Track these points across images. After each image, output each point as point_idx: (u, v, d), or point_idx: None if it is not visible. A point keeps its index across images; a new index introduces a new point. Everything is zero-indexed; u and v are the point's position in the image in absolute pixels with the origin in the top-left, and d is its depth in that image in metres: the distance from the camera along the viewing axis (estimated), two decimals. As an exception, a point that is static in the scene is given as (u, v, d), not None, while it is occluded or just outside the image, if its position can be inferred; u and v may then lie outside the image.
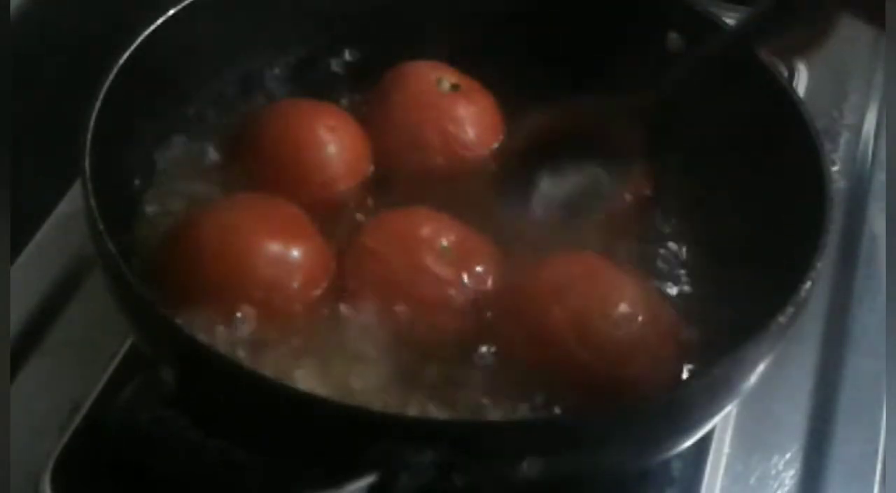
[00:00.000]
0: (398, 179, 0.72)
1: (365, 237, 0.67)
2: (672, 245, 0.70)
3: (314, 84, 0.77)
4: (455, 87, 0.75)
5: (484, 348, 0.63)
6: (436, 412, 0.60)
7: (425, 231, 0.66)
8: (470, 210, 0.70)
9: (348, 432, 0.52)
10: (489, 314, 0.64)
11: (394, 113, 0.74)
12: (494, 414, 0.60)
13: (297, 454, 0.51)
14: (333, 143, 0.71)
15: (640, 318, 0.63)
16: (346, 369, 0.62)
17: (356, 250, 0.66)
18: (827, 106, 0.90)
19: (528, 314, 0.63)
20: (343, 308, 0.64)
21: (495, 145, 0.75)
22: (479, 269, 0.66)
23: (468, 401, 0.61)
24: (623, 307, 0.63)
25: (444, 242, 0.66)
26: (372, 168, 0.72)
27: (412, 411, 0.59)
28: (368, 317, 0.64)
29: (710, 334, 0.65)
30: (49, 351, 0.71)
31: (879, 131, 0.90)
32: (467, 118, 0.74)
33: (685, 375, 0.63)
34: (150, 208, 0.69)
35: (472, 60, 0.77)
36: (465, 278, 0.65)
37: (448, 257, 0.66)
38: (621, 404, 0.60)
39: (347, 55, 0.79)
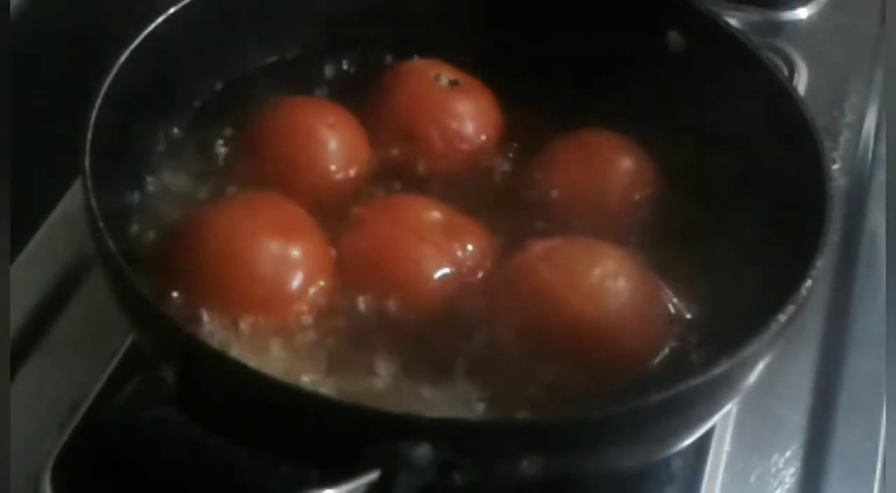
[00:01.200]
0: (398, 174, 0.72)
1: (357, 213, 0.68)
2: (671, 245, 0.70)
3: (314, 83, 0.77)
4: (453, 82, 0.75)
5: (478, 332, 0.64)
6: (441, 400, 0.60)
7: (415, 207, 0.69)
8: (468, 204, 0.70)
9: (348, 431, 0.52)
10: (481, 296, 0.65)
11: (392, 109, 0.74)
12: (495, 404, 0.61)
13: (296, 453, 0.51)
14: (333, 139, 0.71)
15: (627, 272, 0.64)
16: (346, 364, 0.62)
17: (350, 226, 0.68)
18: (827, 106, 0.90)
19: (517, 278, 0.65)
20: (343, 303, 0.64)
21: (494, 140, 0.75)
22: (469, 247, 0.67)
23: (466, 389, 0.61)
24: (610, 262, 0.65)
25: (436, 215, 0.68)
26: (370, 164, 0.72)
27: (416, 404, 0.60)
28: (367, 310, 0.64)
29: (710, 332, 0.66)
30: (49, 351, 0.71)
31: (879, 131, 0.90)
32: (466, 113, 0.74)
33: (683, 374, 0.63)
34: (150, 208, 0.69)
35: (472, 60, 0.78)
36: (455, 251, 0.66)
37: (437, 230, 0.67)
38: (621, 404, 0.60)
39: (347, 54, 0.79)
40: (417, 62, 0.77)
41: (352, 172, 0.71)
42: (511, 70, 0.77)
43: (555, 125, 0.75)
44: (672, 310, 0.66)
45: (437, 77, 0.75)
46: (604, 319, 0.63)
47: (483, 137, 0.74)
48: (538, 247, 0.66)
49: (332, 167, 0.71)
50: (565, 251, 0.66)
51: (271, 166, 0.70)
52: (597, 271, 0.64)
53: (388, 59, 0.77)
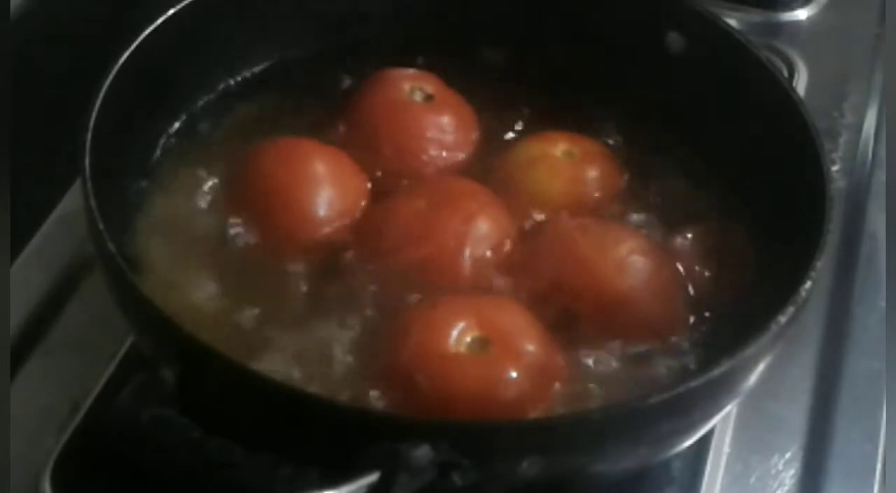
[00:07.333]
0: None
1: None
2: (672, 246, 0.70)
3: (314, 85, 0.77)
4: (429, 97, 0.74)
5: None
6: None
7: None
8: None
9: (348, 431, 0.52)
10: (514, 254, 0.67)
11: (363, 124, 0.74)
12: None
13: (296, 454, 0.51)
14: (325, 189, 0.70)
15: (652, 253, 0.67)
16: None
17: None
18: (827, 106, 0.90)
19: (551, 240, 0.68)
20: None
21: (468, 156, 0.74)
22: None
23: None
24: (639, 241, 0.68)
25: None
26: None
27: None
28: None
29: (709, 333, 0.66)
30: (49, 351, 0.71)
31: (879, 131, 0.90)
32: (437, 130, 0.73)
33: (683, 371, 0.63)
34: (150, 208, 0.69)
35: (472, 60, 0.78)
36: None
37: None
38: (621, 404, 0.60)
39: (349, 57, 0.78)
40: (396, 73, 0.75)
41: (345, 216, 0.69)
42: (508, 74, 0.77)
43: (552, 128, 0.75)
44: (689, 295, 0.67)
45: (413, 91, 0.74)
46: (627, 288, 0.65)
47: (454, 155, 0.73)
48: (573, 220, 0.69)
49: (325, 215, 0.68)
50: (599, 226, 0.69)
51: (266, 214, 0.69)
52: (626, 245, 0.67)
53: (390, 63, 0.76)
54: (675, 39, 0.74)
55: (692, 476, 0.68)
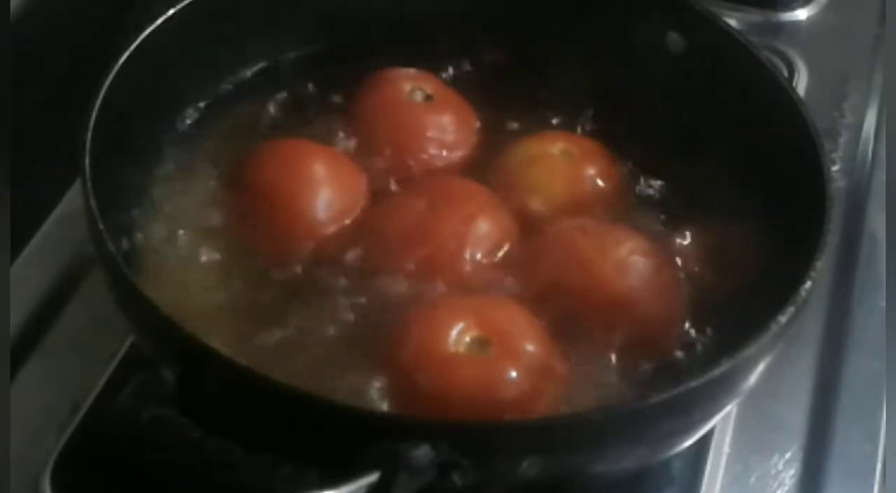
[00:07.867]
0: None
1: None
2: (672, 245, 0.70)
3: (314, 85, 0.77)
4: (428, 98, 0.74)
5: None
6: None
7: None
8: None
9: (348, 431, 0.52)
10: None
11: (362, 124, 0.74)
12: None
13: (296, 454, 0.51)
14: (325, 191, 0.70)
15: (652, 253, 0.67)
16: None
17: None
18: (827, 107, 0.90)
19: (551, 242, 0.68)
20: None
21: (469, 155, 0.74)
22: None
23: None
24: (639, 242, 0.67)
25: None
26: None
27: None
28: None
29: (709, 334, 0.66)
30: (49, 351, 0.71)
31: (879, 131, 0.90)
32: (437, 131, 0.73)
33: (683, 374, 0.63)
34: (150, 208, 0.69)
35: (472, 60, 0.78)
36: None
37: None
38: (621, 404, 0.60)
39: (349, 57, 0.78)
40: (395, 73, 0.75)
41: (345, 217, 0.69)
42: (508, 74, 0.77)
43: (551, 127, 0.75)
44: (689, 295, 0.67)
45: (412, 91, 0.74)
46: (627, 288, 0.65)
47: (453, 155, 0.73)
48: (573, 220, 0.69)
49: (325, 216, 0.68)
50: (599, 226, 0.69)
51: (264, 213, 0.69)
52: (626, 246, 0.67)
53: (389, 63, 0.76)
54: (675, 39, 0.74)
55: (692, 476, 0.68)
